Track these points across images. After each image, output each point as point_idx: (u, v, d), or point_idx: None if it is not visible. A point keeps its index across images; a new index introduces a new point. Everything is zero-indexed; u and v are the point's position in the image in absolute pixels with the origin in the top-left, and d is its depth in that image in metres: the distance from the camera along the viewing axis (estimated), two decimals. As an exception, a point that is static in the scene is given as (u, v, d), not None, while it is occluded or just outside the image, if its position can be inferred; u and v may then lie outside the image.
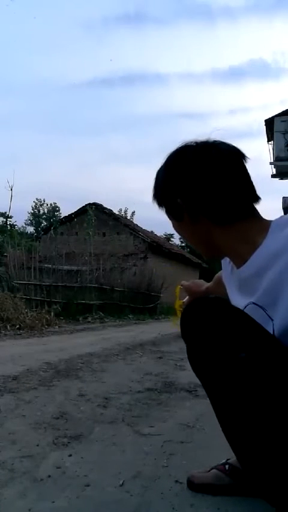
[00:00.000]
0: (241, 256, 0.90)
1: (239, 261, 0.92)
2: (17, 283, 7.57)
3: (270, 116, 15.66)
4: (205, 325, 0.85)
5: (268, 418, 0.79)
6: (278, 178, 15.68)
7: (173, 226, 0.99)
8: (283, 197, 14.44)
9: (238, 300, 0.94)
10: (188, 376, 2.72)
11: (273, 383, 0.78)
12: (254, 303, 0.88)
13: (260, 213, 0.92)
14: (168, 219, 1.00)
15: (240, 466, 1.10)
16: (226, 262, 1.04)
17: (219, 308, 0.87)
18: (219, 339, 0.82)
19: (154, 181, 0.97)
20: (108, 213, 17.22)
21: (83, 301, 9.31)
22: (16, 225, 24.08)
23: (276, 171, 15.46)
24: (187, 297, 1.33)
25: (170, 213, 0.96)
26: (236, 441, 0.92)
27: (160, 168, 0.96)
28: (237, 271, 0.94)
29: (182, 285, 1.36)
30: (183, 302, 1.31)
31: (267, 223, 0.88)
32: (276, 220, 0.88)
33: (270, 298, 0.85)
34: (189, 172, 0.90)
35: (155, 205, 0.98)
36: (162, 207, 0.97)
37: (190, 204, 0.90)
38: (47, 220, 36.88)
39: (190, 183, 0.90)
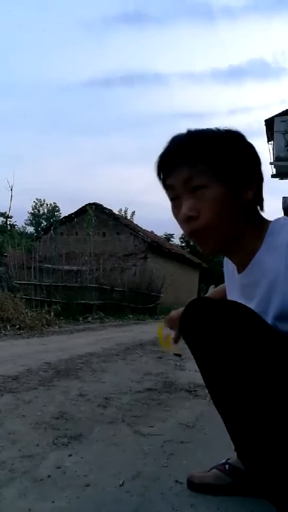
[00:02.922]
0: (242, 259, 0.91)
1: (240, 263, 0.92)
2: (17, 283, 7.57)
3: (270, 116, 15.66)
4: (207, 323, 0.85)
5: (271, 415, 0.79)
6: (278, 178, 15.68)
7: (197, 197, 0.85)
8: (283, 197, 14.44)
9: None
10: (188, 376, 2.72)
11: (277, 377, 0.78)
12: None
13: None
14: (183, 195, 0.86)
15: (240, 466, 1.10)
16: (228, 262, 1.04)
17: (218, 306, 0.87)
18: (221, 337, 0.82)
19: (192, 138, 0.86)
20: (108, 213, 17.22)
21: (83, 301, 9.31)
22: (16, 225, 24.19)
23: (276, 171, 15.46)
24: (173, 332, 1.24)
25: (222, 173, 0.84)
26: (239, 438, 0.92)
27: (200, 130, 0.88)
28: (238, 276, 0.95)
29: (164, 321, 1.29)
30: (172, 336, 1.22)
31: (267, 225, 0.89)
32: (273, 223, 0.88)
33: (263, 307, 0.86)
34: (246, 144, 0.88)
35: (180, 167, 0.85)
36: (201, 165, 0.84)
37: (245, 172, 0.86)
38: (47, 220, 36.95)
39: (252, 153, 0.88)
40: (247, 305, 0.89)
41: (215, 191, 0.84)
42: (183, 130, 0.89)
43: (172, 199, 0.90)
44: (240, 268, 0.93)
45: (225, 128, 0.88)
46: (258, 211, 0.90)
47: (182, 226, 0.90)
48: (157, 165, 0.90)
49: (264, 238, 0.87)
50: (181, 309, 1.24)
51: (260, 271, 0.86)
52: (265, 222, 0.89)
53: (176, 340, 1.23)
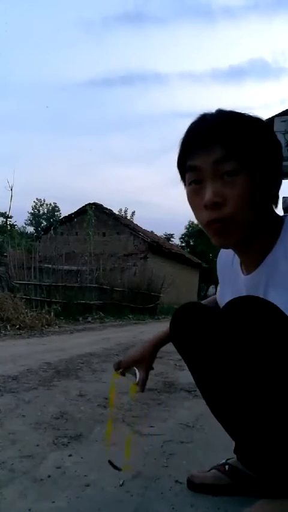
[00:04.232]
0: (254, 257, 0.86)
1: (250, 261, 0.88)
2: (17, 283, 7.57)
3: (270, 116, 15.64)
4: (196, 328, 0.84)
5: (267, 416, 0.79)
6: (278, 178, 15.67)
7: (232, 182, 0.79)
8: (283, 197, 14.43)
9: None
10: (188, 376, 2.70)
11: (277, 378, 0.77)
12: None
13: None
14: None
15: (239, 467, 1.10)
16: (226, 259, 1.00)
17: (210, 311, 0.86)
18: (212, 340, 0.81)
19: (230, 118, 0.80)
20: (108, 213, 17.23)
21: (83, 301, 9.31)
22: (16, 225, 24.23)
23: (276, 171, 15.44)
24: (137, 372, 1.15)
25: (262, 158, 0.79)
26: (238, 440, 0.92)
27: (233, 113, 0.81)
28: (245, 278, 0.90)
29: (118, 365, 1.18)
30: (137, 380, 1.14)
31: (281, 222, 0.85)
32: (287, 222, 0.85)
33: None
34: (270, 133, 0.83)
35: (216, 144, 0.78)
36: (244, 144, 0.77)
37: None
38: (47, 220, 36.99)
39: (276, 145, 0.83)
40: None
41: (246, 179, 0.78)
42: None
43: (192, 182, 0.83)
44: (250, 266, 0.88)
45: (257, 116, 0.82)
46: (273, 209, 0.86)
47: (200, 213, 0.82)
48: (184, 142, 0.83)
49: (279, 238, 0.83)
50: (138, 349, 1.16)
51: (272, 274, 0.82)
52: (279, 219, 0.86)
53: (142, 386, 1.13)
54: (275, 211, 0.86)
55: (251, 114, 0.82)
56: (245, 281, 0.90)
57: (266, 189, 0.81)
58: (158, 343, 1.18)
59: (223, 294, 1.02)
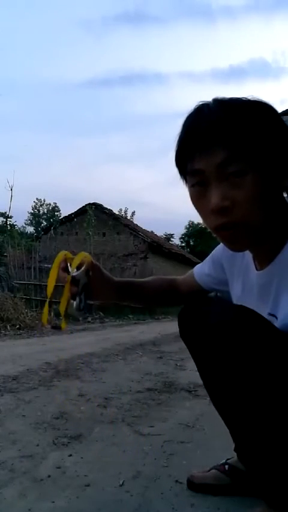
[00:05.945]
0: (266, 254, 0.82)
1: (263, 258, 0.83)
2: (17, 283, 7.58)
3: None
4: (206, 322, 0.83)
5: (271, 416, 0.79)
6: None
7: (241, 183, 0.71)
8: (283, 197, 14.43)
9: (257, 307, 0.83)
10: (188, 376, 2.72)
11: (279, 378, 0.77)
12: (269, 314, 0.82)
13: None
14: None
15: (239, 466, 1.10)
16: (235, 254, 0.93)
17: (219, 305, 0.86)
18: (222, 337, 0.80)
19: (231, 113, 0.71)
20: (108, 213, 17.22)
21: (83, 301, 9.31)
22: (16, 225, 24.26)
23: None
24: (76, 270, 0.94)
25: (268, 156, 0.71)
26: (239, 439, 0.92)
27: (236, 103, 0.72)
28: (257, 273, 0.86)
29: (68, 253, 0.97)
30: (74, 273, 0.92)
31: None
32: None
33: (275, 306, 0.81)
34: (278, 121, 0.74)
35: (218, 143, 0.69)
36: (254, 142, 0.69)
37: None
38: (47, 220, 37.02)
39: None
40: (263, 306, 0.83)
41: (255, 178, 0.70)
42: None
43: (195, 185, 0.76)
44: (262, 262, 0.84)
45: (258, 99, 0.73)
46: (285, 200, 0.79)
47: (207, 217, 0.76)
48: (181, 142, 0.75)
49: None
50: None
51: (285, 273, 0.78)
52: None
53: (75, 279, 0.91)
54: (285, 201, 0.79)
55: (251, 99, 0.73)
56: (257, 277, 0.86)
57: (277, 182, 0.74)
58: (125, 282, 1.06)
59: (233, 288, 0.98)
